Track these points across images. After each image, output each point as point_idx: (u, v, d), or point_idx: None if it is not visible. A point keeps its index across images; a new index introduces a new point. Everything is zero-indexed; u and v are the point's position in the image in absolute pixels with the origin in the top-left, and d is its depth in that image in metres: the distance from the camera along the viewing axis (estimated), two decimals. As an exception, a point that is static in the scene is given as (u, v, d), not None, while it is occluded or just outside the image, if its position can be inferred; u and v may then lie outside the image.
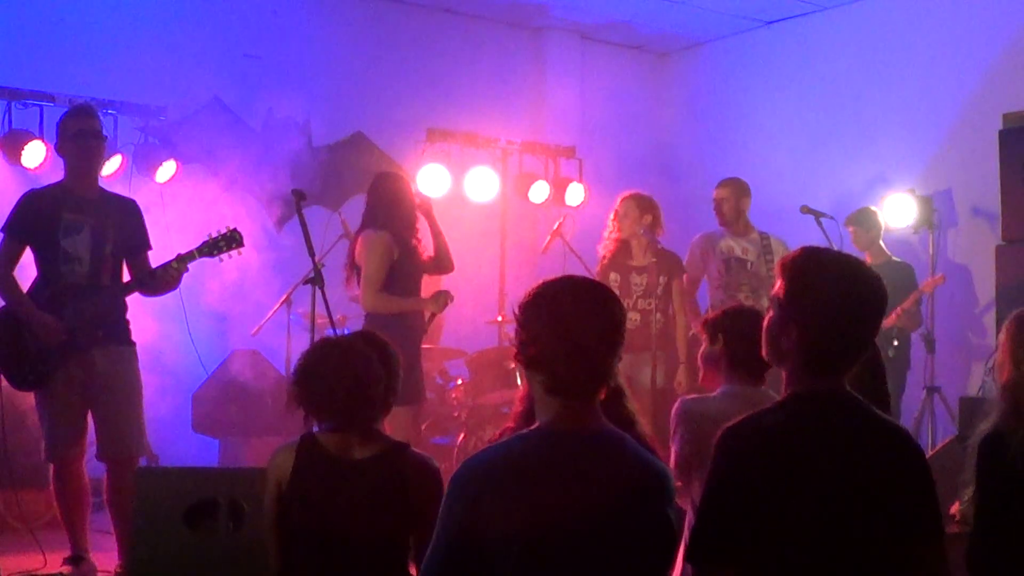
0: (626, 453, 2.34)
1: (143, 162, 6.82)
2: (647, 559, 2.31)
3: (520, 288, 2.50)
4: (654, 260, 6.32)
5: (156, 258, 4.99)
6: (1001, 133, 6.95)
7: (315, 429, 3.18)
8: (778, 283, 2.36)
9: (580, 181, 8.39)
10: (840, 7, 8.48)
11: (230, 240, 4.81)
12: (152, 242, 5.09)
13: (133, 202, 5.12)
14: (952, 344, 7.37)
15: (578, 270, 6.84)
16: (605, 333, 2.32)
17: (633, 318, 6.24)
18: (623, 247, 6.52)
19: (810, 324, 2.28)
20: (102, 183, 5.18)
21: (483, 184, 8.06)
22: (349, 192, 7.77)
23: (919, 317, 6.95)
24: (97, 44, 7.01)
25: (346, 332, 5.92)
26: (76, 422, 4.80)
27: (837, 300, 2.27)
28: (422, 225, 5.66)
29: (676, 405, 3.65)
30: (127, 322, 4.96)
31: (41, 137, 6.43)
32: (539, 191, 8.21)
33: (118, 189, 5.43)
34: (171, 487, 3.91)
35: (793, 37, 8.89)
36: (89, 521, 5.04)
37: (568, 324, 2.29)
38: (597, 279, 4.92)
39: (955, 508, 3.71)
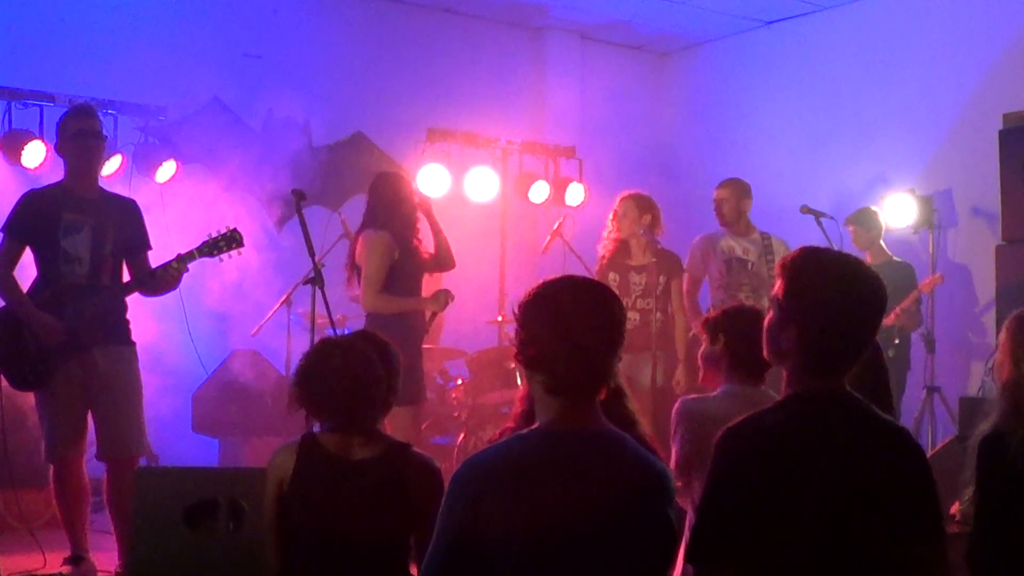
0: (626, 453, 2.34)
1: (143, 162, 6.82)
2: (647, 559, 2.31)
3: (520, 288, 2.51)
4: (654, 260, 6.33)
5: (156, 258, 4.99)
6: (1001, 133, 6.95)
7: (315, 429, 3.19)
8: (778, 283, 2.36)
9: (580, 181, 8.39)
10: (840, 7, 8.48)
11: (230, 240, 4.81)
12: (152, 242, 5.08)
13: (133, 202, 5.12)
14: (952, 344, 7.37)
15: (578, 270, 6.84)
16: (605, 333, 2.33)
17: (632, 318, 6.24)
18: (622, 247, 6.52)
19: (809, 324, 2.28)
20: (102, 183, 5.18)
21: (483, 184, 8.06)
22: (349, 192, 7.76)
23: (919, 316, 6.95)
24: (97, 44, 7.01)
25: (346, 332, 5.92)
26: (76, 422, 4.80)
27: (836, 300, 2.27)
28: (422, 224, 5.66)
29: (677, 405, 3.65)
30: (127, 322, 4.96)
31: (41, 137, 6.43)
32: (539, 191, 8.21)
33: (118, 189, 5.43)
34: (171, 487, 3.91)
35: (793, 37, 8.89)
36: (89, 521, 5.04)
37: (568, 324, 2.29)
38: (596, 279, 4.91)
39: (955, 508, 3.72)
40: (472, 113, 8.40)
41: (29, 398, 5.09)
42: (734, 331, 3.60)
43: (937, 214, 7.41)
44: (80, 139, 4.85)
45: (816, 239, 6.43)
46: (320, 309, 5.18)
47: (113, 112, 6.73)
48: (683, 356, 6.41)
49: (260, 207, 7.36)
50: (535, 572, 2.22)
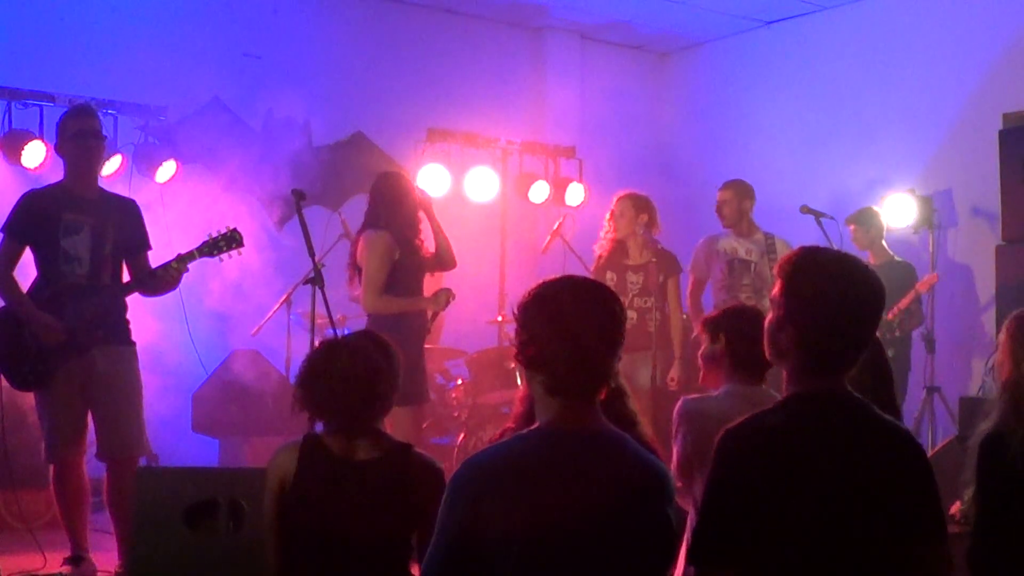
0: (626, 453, 2.34)
1: (143, 162, 6.82)
2: (647, 559, 2.31)
3: (520, 288, 2.50)
4: (653, 260, 6.34)
5: (156, 258, 4.99)
6: (1001, 133, 6.95)
7: (316, 429, 3.18)
8: (776, 283, 2.36)
9: (580, 181, 8.39)
10: (840, 7, 8.48)
11: (230, 240, 4.81)
12: (152, 242, 5.08)
13: (133, 202, 5.12)
14: (952, 344, 7.37)
15: (578, 270, 6.84)
16: (605, 333, 2.33)
17: (630, 317, 6.25)
18: (619, 247, 6.54)
19: (808, 324, 2.27)
20: (102, 183, 5.18)
21: (483, 184, 8.06)
22: (349, 192, 7.76)
23: (920, 315, 6.95)
24: (97, 44, 7.00)
25: (346, 332, 5.92)
26: (76, 422, 4.80)
27: (834, 300, 2.26)
28: (423, 224, 5.66)
29: (678, 405, 3.65)
30: (127, 322, 4.96)
31: (41, 137, 6.43)
32: (539, 191, 8.21)
33: (118, 189, 5.43)
34: (171, 487, 3.91)
35: (793, 37, 8.89)
36: (89, 521, 5.04)
37: (568, 324, 2.29)
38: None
39: (955, 508, 3.72)
40: (472, 113, 8.40)
41: (29, 398, 5.09)
42: (734, 331, 3.60)
43: (937, 214, 7.41)
44: (80, 139, 4.85)
45: (816, 239, 6.43)
46: (320, 309, 5.17)
47: (113, 112, 6.73)
48: (679, 354, 6.43)
49: (260, 207, 7.36)
50: (535, 572, 2.22)
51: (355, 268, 5.53)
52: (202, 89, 7.27)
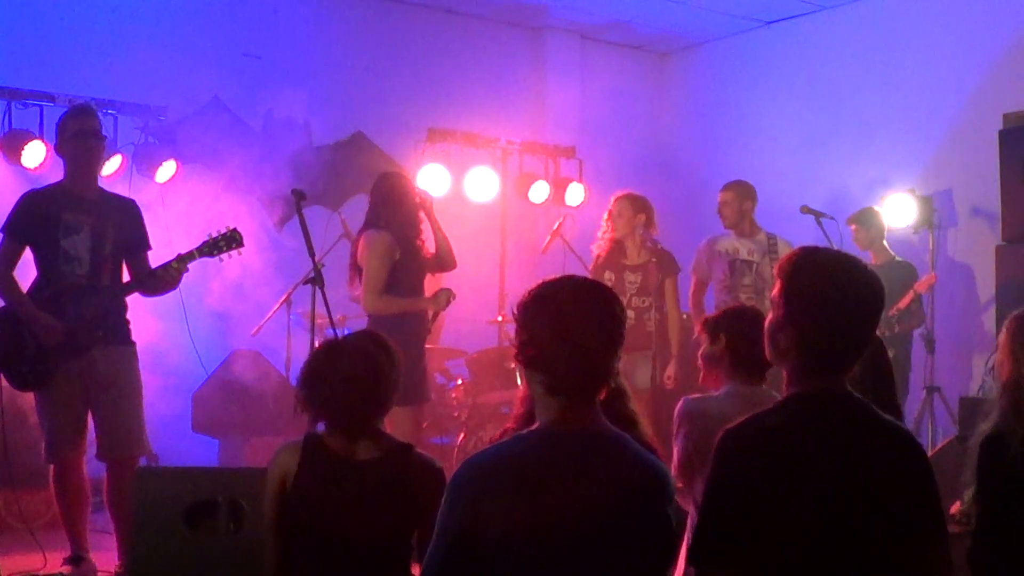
0: (626, 453, 2.34)
1: (143, 162, 6.82)
2: (647, 559, 2.31)
3: (520, 288, 2.50)
4: (653, 260, 6.35)
5: (156, 258, 4.99)
6: (1001, 133, 6.95)
7: (318, 429, 3.18)
8: (776, 283, 2.36)
9: (580, 181, 8.39)
10: (840, 7, 8.48)
11: (230, 240, 4.81)
12: (152, 242, 5.08)
13: (133, 202, 5.12)
14: (952, 344, 7.37)
15: (578, 270, 6.84)
16: (605, 333, 2.33)
17: (628, 316, 6.25)
18: (617, 246, 6.55)
19: (806, 324, 2.27)
20: (102, 183, 5.17)
21: (483, 184, 8.06)
22: (349, 192, 7.76)
23: (921, 314, 6.96)
24: (97, 44, 7.01)
25: (346, 332, 5.92)
26: (76, 422, 4.80)
27: (833, 300, 2.26)
28: (424, 224, 5.66)
29: (679, 405, 3.66)
30: (127, 322, 4.96)
31: (41, 137, 6.43)
32: (539, 191, 8.21)
33: (118, 189, 5.43)
34: (171, 487, 3.90)
35: (793, 37, 8.89)
36: (89, 521, 5.04)
37: (568, 324, 2.29)
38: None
39: (955, 508, 3.72)
40: (472, 113, 8.40)
41: (29, 398, 5.09)
42: (735, 331, 3.60)
43: (937, 214, 7.41)
44: (79, 139, 4.85)
45: (816, 239, 6.43)
46: (320, 309, 5.18)
47: (113, 112, 6.73)
48: (676, 352, 6.44)
49: (260, 207, 7.36)
50: (535, 572, 2.22)
51: (356, 268, 5.53)
52: (202, 89, 7.27)
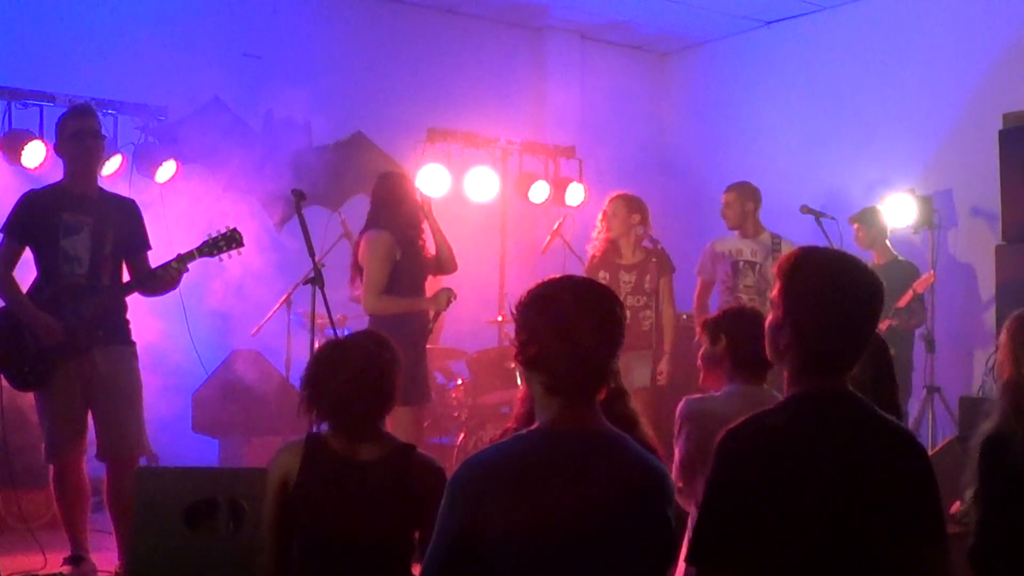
0: (626, 453, 2.34)
1: (143, 162, 6.82)
2: (647, 559, 2.30)
3: (520, 288, 2.50)
4: (654, 260, 6.37)
5: (156, 258, 4.98)
6: (1001, 133, 6.95)
7: (315, 429, 3.18)
8: (776, 283, 2.36)
9: (580, 181, 8.39)
10: (840, 7, 8.48)
11: (230, 240, 4.81)
12: (152, 242, 5.08)
13: (132, 202, 5.12)
14: (952, 344, 7.37)
15: (578, 270, 6.84)
16: (605, 333, 2.33)
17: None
18: (612, 246, 6.57)
19: (806, 324, 2.27)
20: (102, 183, 5.17)
21: (483, 184, 8.06)
22: (349, 192, 7.76)
23: (922, 314, 6.97)
24: (97, 44, 7.00)
25: (346, 332, 5.92)
26: (76, 422, 4.80)
27: (832, 299, 2.26)
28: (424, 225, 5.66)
29: (680, 405, 3.66)
30: (127, 322, 4.95)
31: (41, 137, 6.42)
32: (539, 191, 8.21)
33: (118, 189, 5.43)
34: (171, 487, 3.90)
35: (793, 37, 8.89)
36: (89, 521, 5.04)
37: (569, 324, 2.29)
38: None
39: (955, 507, 3.72)
40: (472, 113, 8.40)
41: (29, 398, 5.08)
42: (735, 332, 3.61)
43: (937, 214, 7.41)
44: (79, 139, 4.85)
45: (816, 239, 6.44)
46: (320, 309, 5.17)
47: (113, 112, 6.73)
48: (669, 349, 6.45)
49: (260, 207, 7.35)
50: (535, 572, 2.22)
51: (357, 268, 5.53)
52: (202, 89, 7.27)
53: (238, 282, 6.32)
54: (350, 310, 6.53)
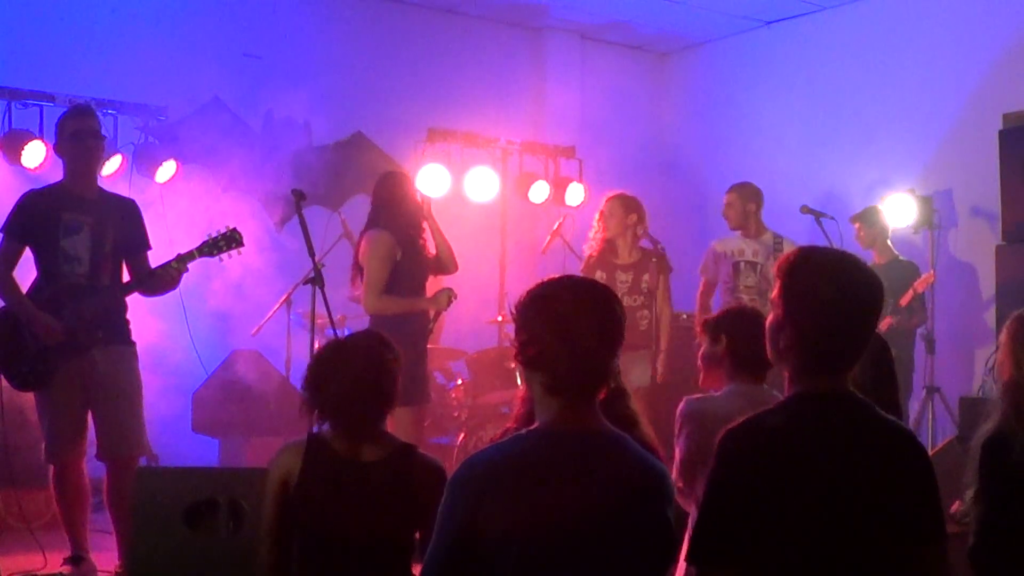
0: (626, 453, 2.34)
1: (143, 162, 6.82)
2: (646, 559, 2.30)
3: (520, 288, 2.50)
4: (654, 260, 6.37)
5: (156, 258, 4.99)
6: (1001, 133, 6.95)
7: (315, 429, 3.18)
8: (776, 284, 2.35)
9: (580, 181, 8.39)
10: (840, 7, 8.48)
11: (230, 240, 4.81)
12: (152, 242, 5.08)
13: (132, 202, 5.12)
14: (952, 344, 7.37)
15: (578, 270, 6.84)
16: (605, 333, 2.33)
17: (621, 315, 6.27)
18: (609, 246, 6.58)
19: (806, 324, 2.27)
20: (102, 183, 5.18)
21: (483, 184, 8.06)
22: (349, 192, 7.76)
23: (924, 313, 6.97)
24: (97, 44, 7.01)
25: (346, 332, 5.92)
26: (76, 422, 4.80)
27: (831, 299, 2.25)
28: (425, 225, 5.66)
29: (681, 405, 3.66)
30: (127, 322, 4.95)
31: (41, 137, 6.42)
32: (539, 191, 8.21)
33: (118, 189, 5.43)
34: (171, 487, 3.91)
35: (793, 37, 8.89)
36: (89, 521, 5.04)
37: (568, 324, 2.29)
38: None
39: (955, 508, 3.72)
40: (472, 113, 8.40)
41: (29, 398, 5.08)
42: (735, 332, 3.61)
43: (937, 214, 7.41)
44: (78, 139, 4.85)
45: (816, 239, 6.44)
46: (320, 309, 5.17)
47: (113, 112, 6.73)
48: (665, 347, 6.46)
49: (260, 207, 7.36)
50: (535, 572, 2.22)
51: (358, 268, 5.52)
52: (202, 89, 7.27)
53: (238, 282, 6.32)
54: (350, 310, 6.53)
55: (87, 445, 4.90)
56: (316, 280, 5.05)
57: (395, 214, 5.47)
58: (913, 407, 6.97)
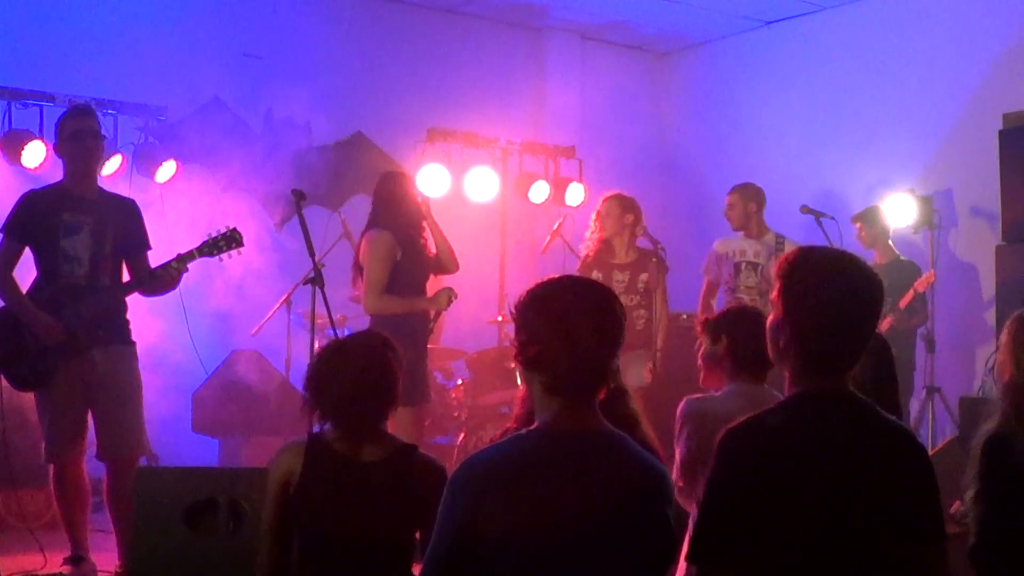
0: (626, 453, 2.34)
1: (143, 162, 6.82)
2: (646, 559, 2.30)
3: (520, 288, 2.49)
4: (654, 260, 6.38)
5: (156, 258, 4.99)
6: (1001, 133, 6.95)
7: (315, 429, 3.18)
8: (775, 284, 2.35)
9: (580, 181, 8.39)
10: (840, 7, 8.48)
11: (230, 240, 4.81)
12: (152, 242, 5.08)
13: (132, 202, 5.12)
14: (952, 344, 7.37)
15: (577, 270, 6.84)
16: (605, 333, 2.32)
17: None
18: (605, 246, 6.58)
19: (805, 324, 2.27)
20: (102, 183, 5.18)
21: (483, 184, 8.06)
22: (349, 192, 7.76)
23: (924, 313, 6.97)
24: (97, 44, 7.00)
25: (346, 332, 5.92)
26: (76, 422, 4.80)
27: (830, 299, 2.25)
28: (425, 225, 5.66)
29: (681, 405, 3.66)
30: (127, 322, 4.96)
31: (41, 137, 6.43)
32: (539, 191, 8.21)
33: (118, 189, 5.43)
34: (171, 487, 3.91)
35: (793, 37, 8.89)
36: (89, 521, 5.04)
37: (568, 324, 2.29)
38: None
39: (955, 508, 3.72)
40: (472, 113, 8.39)
41: (29, 398, 5.08)
42: (736, 331, 3.61)
43: (937, 214, 7.41)
44: (78, 139, 4.85)
45: (816, 239, 6.44)
46: (320, 309, 5.18)
47: (113, 112, 6.73)
48: (661, 346, 6.47)
49: (260, 207, 7.36)
50: (535, 572, 2.22)
51: (359, 268, 5.53)
52: (202, 89, 7.27)
53: (238, 282, 6.32)
54: (350, 310, 6.53)
55: (87, 445, 4.90)
56: (316, 280, 5.05)
57: (395, 214, 5.47)
58: (913, 407, 6.97)
